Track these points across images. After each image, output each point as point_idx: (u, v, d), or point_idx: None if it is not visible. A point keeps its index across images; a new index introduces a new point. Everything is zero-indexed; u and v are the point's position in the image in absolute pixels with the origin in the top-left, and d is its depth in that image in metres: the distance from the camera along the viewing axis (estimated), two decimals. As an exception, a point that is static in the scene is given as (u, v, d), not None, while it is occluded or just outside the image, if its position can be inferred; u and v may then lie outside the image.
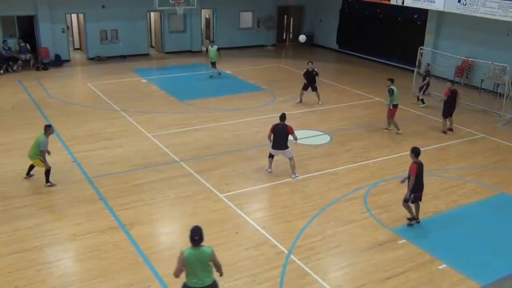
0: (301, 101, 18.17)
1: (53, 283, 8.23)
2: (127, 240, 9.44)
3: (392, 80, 15.13)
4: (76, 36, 27.78)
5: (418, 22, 23.10)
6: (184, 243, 9.41)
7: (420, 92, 18.17)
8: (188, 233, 6.72)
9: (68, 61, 24.36)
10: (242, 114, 16.97)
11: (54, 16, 23.36)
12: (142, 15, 25.67)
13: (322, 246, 9.42)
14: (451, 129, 15.57)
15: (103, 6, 24.38)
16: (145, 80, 21.30)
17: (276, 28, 29.77)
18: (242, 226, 10.04)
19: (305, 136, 14.91)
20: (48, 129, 11.48)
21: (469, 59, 19.99)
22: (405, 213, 10.48)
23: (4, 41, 22.02)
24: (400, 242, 9.57)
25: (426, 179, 10.65)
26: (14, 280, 8.21)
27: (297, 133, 14.85)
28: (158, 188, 11.57)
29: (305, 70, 18.08)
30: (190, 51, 27.24)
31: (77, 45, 27.81)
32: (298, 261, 8.91)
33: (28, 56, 22.65)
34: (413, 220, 10.20)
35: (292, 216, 10.45)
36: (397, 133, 15.22)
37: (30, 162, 11.60)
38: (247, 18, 28.86)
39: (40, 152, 11.23)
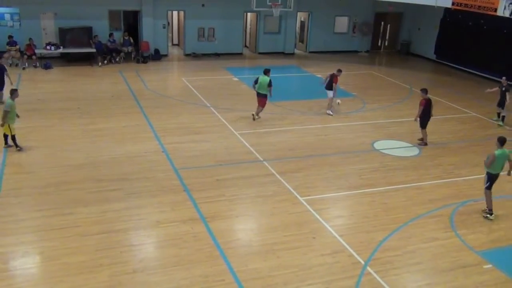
0: None
1: (135, 265, 8.62)
2: (206, 233, 9.67)
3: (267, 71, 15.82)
4: (175, 32, 28.94)
5: (527, 36, 21.69)
6: (260, 241, 9.55)
7: (503, 109, 16.99)
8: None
9: (166, 55, 25.46)
10: (329, 119, 16.82)
11: (156, 12, 24.50)
12: (239, 15, 26.23)
13: (401, 261, 9.11)
14: (422, 140, 14.86)
15: (203, 5, 25.18)
16: (236, 79, 21.74)
17: (372, 35, 29.20)
18: (319, 232, 9.95)
19: (392, 147, 14.52)
20: (14, 92, 12.83)
21: None
22: (495, 237, 9.91)
23: (110, 34, 23.41)
24: (486, 266, 9.03)
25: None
26: (99, 258, 8.71)
27: (384, 142, 14.75)
28: (240, 185, 11.76)
29: None
30: (283, 53, 27.43)
31: (175, 41, 28.97)
32: (374, 274, 8.67)
33: (130, 49, 23.94)
34: None
35: (372, 227, 10.20)
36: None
37: (121, 147, 12.22)
38: (342, 23, 28.54)
39: (3, 113, 12.42)
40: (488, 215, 10.70)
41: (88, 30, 23.16)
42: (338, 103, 17.63)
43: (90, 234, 9.41)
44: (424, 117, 14.52)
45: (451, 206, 11.17)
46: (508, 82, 17.09)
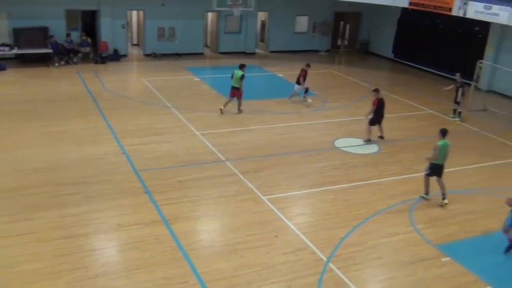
0: None
1: (96, 270, 8.45)
2: (169, 235, 9.58)
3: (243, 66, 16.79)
4: (135, 32, 28.53)
5: (479, 35, 22.37)
6: (224, 241, 9.53)
7: (459, 105, 17.58)
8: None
9: (125, 56, 25.02)
10: (292, 118, 16.93)
11: (115, 12, 24.05)
12: (200, 15, 26.05)
13: (362, 256, 9.26)
14: (382, 137, 15.11)
15: (163, 4, 24.90)
16: (197, 79, 21.62)
17: (331, 34, 29.54)
18: (282, 230, 10.00)
19: (352, 144, 14.74)
20: None
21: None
22: (451, 230, 10.20)
23: (67, 34, 22.86)
24: (444, 259, 9.28)
25: (479, 197, 10.32)
26: (59, 264, 8.50)
27: (345, 140, 14.98)
28: (203, 185, 11.70)
29: None
30: (244, 53, 27.40)
31: (135, 41, 28.55)
32: (336, 270, 8.79)
33: (88, 49, 23.45)
34: None
35: (333, 224, 10.33)
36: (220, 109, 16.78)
37: (80, 149, 11.99)
38: (302, 23, 28.76)
39: None
40: (425, 196, 11.44)
41: (44, 30, 22.50)
42: (309, 101, 18.13)
43: (49, 240, 9.17)
44: (376, 116, 14.80)
45: (410, 201, 11.43)
46: (463, 80, 17.59)
